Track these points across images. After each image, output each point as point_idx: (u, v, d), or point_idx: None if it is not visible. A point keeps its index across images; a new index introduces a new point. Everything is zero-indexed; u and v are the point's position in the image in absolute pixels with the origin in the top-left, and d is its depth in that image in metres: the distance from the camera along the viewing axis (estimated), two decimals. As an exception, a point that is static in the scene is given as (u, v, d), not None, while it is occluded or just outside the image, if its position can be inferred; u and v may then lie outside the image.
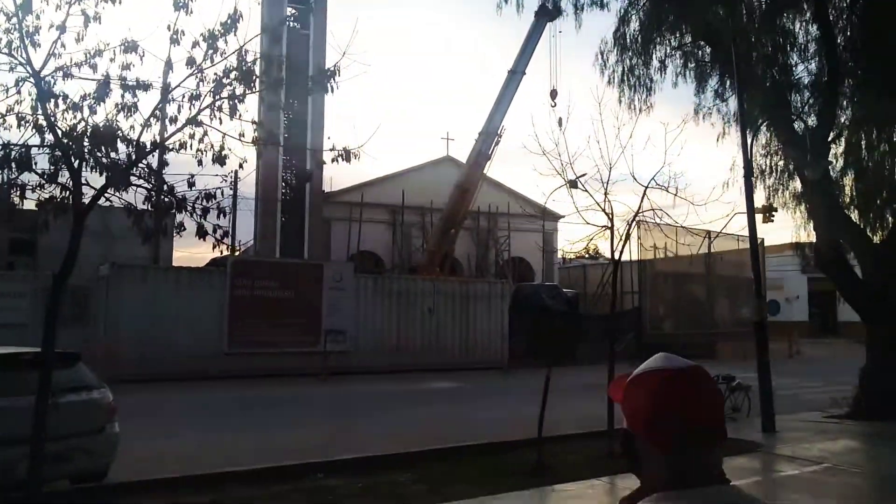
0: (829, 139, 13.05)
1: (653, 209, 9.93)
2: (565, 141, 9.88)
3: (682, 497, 1.23)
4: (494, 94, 29.23)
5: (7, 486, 6.15)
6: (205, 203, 6.19)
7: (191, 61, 5.94)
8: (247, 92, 6.17)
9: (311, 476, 7.98)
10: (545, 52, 28.20)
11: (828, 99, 12.76)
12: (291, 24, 31.48)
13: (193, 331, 18.89)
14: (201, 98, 6.00)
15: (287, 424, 11.88)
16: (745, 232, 12.51)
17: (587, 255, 45.36)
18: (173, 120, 6.03)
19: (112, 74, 5.84)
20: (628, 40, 13.93)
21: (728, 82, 13.69)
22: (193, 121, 5.99)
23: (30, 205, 6.24)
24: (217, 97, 6.00)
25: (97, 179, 5.98)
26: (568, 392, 12.46)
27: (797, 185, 13.84)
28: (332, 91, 6.46)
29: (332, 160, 6.37)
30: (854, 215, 13.25)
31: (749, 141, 12.63)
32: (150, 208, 6.36)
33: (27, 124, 5.76)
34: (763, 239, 17.39)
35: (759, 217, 12.81)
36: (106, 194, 5.96)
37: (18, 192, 5.94)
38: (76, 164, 5.77)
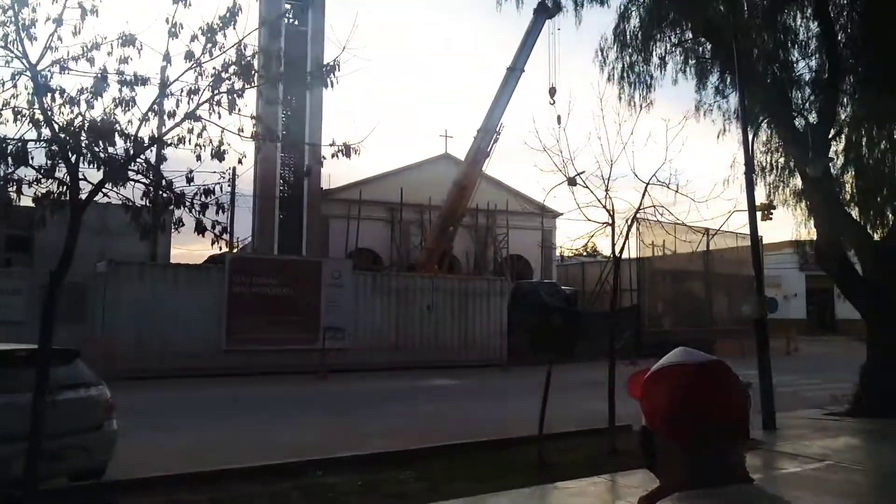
0: (830, 136, 13.02)
1: (654, 206, 9.90)
2: (566, 137, 9.86)
3: (703, 496, 1.18)
4: (493, 92, 29.24)
5: (3, 484, 6.09)
6: (203, 199, 6.14)
7: (189, 55, 5.88)
8: (246, 86, 6.12)
9: (311, 473, 7.93)
10: (544, 49, 28.20)
11: (828, 96, 12.74)
12: (289, 20, 31.39)
13: (191, 328, 18.85)
14: (200, 92, 5.94)
15: (286, 422, 11.84)
16: (744, 229, 12.49)
17: (585, 254, 45.39)
18: (172, 114, 5.98)
19: (109, 68, 5.78)
20: (628, 37, 13.89)
21: (729, 79, 13.66)
22: (192, 115, 5.93)
23: (26, 201, 6.19)
24: (216, 91, 5.95)
25: (95, 174, 5.93)
26: (567, 389, 12.44)
27: (798, 182, 13.83)
28: (332, 86, 6.41)
29: (333, 155, 6.33)
30: (855, 213, 13.24)
31: (750, 138, 12.61)
32: (148, 204, 6.30)
33: (23, 118, 5.70)
34: (762, 237, 17.37)
35: (758, 215, 12.78)
36: (104, 189, 5.91)
37: (15, 188, 5.88)
38: (73, 159, 5.71)
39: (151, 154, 6.53)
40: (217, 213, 6.30)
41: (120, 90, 5.84)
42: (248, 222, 31.59)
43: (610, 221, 9.78)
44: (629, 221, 9.98)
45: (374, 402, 14.49)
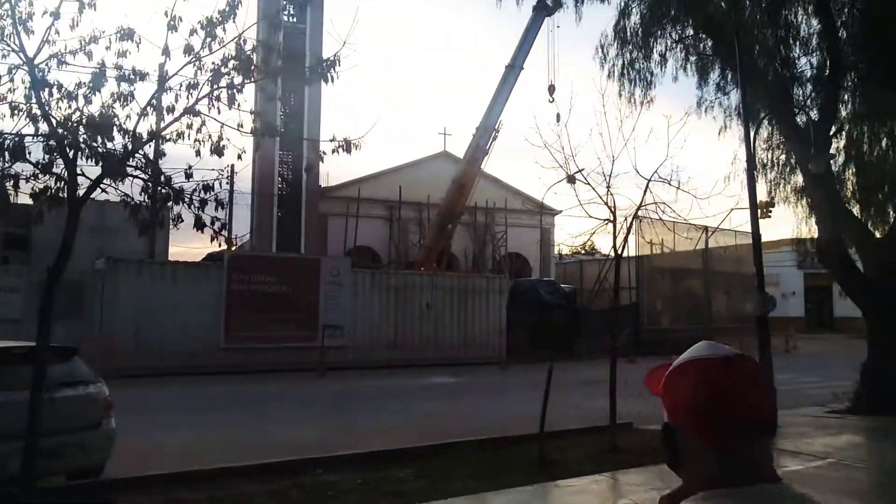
0: (831, 133, 13.00)
1: (655, 203, 9.84)
2: (567, 133, 9.79)
3: (728, 496, 1.13)
4: (493, 89, 29.18)
5: (1, 482, 6.04)
6: (202, 195, 6.09)
7: (188, 49, 5.83)
8: (245, 81, 6.06)
9: (310, 472, 7.88)
10: (544, 46, 28.14)
11: (830, 92, 12.71)
12: (288, 18, 31.28)
13: (190, 326, 18.79)
14: (199, 87, 5.89)
15: (285, 420, 11.80)
16: (743, 227, 12.46)
17: (584, 252, 45.42)
18: (171, 109, 5.92)
19: (108, 62, 5.73)
20: (629, 33, 13.82)
21: (730, 75, 13.61)
22: (191, 110, 5.88)
23: (24, 197, 6.14)
24: (215, 86, 5.89)
25: (93, 170, 5.87)
26: (567, 387, 12.40)
27: (799, 179, 13.80)
28: (332, 81, 6.35)
29: (333, 151, 6.27)
30: (856, 210, 13.22)
31: (751, 134, 12.56)
32: (146, 199, 6.25)
33: (21, 113, 5.65)
34: (761, 234, 17.34)
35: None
36: (102, 185, 5.85)
37: (12, 183, 5.82)
38: (71, 154, 5.66)
39: (150, 149, 6.48)
40: (216, 209, 6.25)
41: (118, 85, 5.78)
42: (247, 220, 31.57)
43: (611, 218, 9.74)
44: (631, 218, 9.93)
45: (373, 399, 14.45)
